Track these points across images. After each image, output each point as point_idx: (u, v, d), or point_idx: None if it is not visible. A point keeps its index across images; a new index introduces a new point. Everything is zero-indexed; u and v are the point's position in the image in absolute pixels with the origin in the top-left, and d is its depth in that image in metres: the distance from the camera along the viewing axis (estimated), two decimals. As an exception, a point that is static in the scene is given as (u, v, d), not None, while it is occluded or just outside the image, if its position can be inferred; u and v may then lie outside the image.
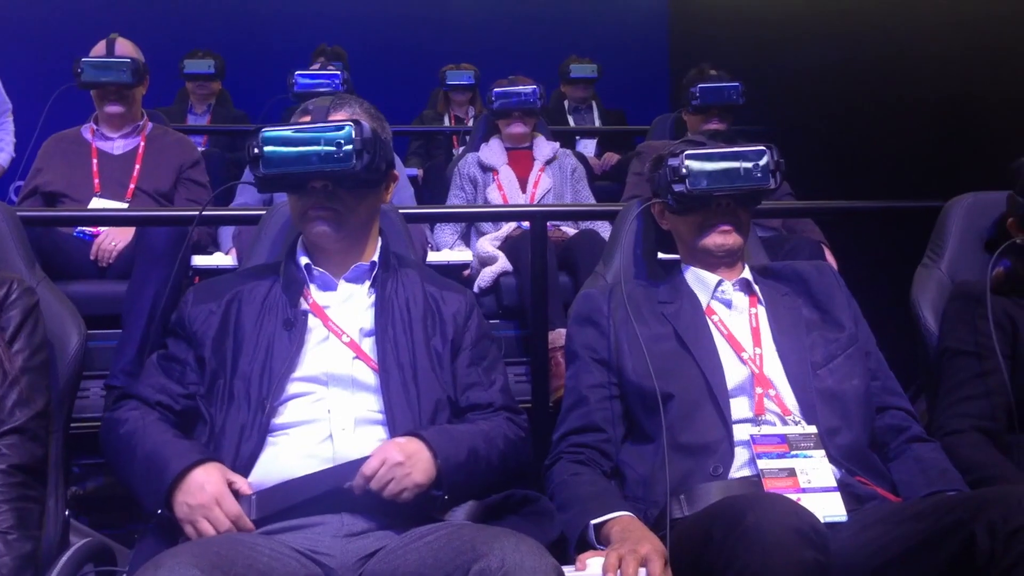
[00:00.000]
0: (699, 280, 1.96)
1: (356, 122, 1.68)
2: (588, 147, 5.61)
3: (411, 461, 1.57)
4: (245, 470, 1.61)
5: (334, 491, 1.57)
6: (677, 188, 1.89)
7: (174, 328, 1.79)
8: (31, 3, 6.63)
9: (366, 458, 1.57)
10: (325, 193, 1.72)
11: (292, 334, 1.71)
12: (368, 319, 1.77)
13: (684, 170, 1.88)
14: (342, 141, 1.66)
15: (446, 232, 3.75)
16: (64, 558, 1.48)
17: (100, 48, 3.34)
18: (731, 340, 1.87)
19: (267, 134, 1.69)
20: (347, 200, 1.74)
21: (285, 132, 1.70)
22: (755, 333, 1.89)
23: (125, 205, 3.20)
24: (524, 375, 3.11)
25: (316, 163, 1.67)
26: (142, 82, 3.34)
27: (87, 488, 2.80)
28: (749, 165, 1.89)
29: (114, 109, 3.33)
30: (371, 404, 1.70)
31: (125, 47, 3.35)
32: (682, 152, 1.90)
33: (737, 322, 1.91)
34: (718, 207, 1.91)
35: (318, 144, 1.67)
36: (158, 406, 1.70)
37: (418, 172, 5.01)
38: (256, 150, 1.68)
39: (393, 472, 1.55)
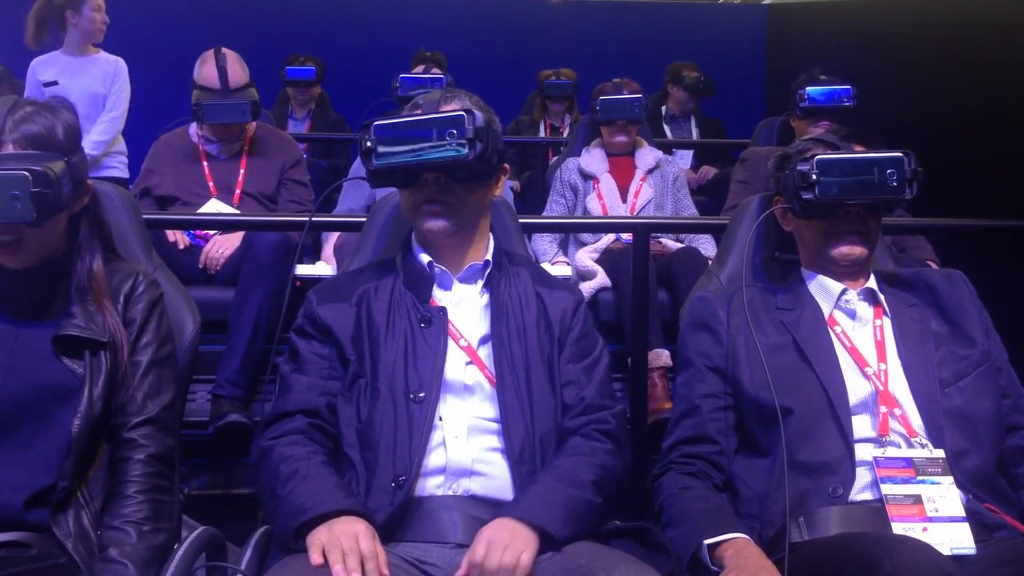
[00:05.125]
0: (821, 288, 1.86)
1: (469, 111, 1.64)
2: (685, 159, 5.52)
3: (515, 541, 1.46)
4: (408, 466, 1.57)
5: None
6: (806, 196, 1.78)
7: (303, 329, 1.74)
8: (138, 7, 6.84)
9: None
10: (437, 186, 1.68)
11: (431, 331, 1.67)
12: (483, 322, 1.73)
13: (814, 176, 1.77)
14: (455, 131, 1.62)
15: (545, 241, 3.73)
16: (183, 547, 1.48)
17: (210, 72, 3.28)
18: (854, 353, 1.78)
19: (379, 125, 1.66)
20: (459, 192, 1.69)
21: (397, 123, 1.67)
22: (880, 347, 1.79)
23: (234, 211, 3.24)
24: (620, 392, 3.05)
25: (429, 152, 1.63)
26: (259, 108, 3.32)
27: (192, 488, 2.85)
28: (885, 173, 1.77)
29: (212, 133, 3.36)
30: (484, 411, 1.65)
31: (235, 70, 3.28)
32: (813, 156, 1.80)
33: (861, 334, 1.82)
34: (847, 215, 1.80)
35: (431, 134, 1.63)
36: (327, 411, 1.66)
37: (514, 184, 4.98)
38: (368, 143, 1.65)
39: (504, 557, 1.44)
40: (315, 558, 1.38)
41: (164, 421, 1.64)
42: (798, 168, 1.80)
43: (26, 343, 1.59)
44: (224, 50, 3.34)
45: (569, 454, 1.64)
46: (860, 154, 1.81)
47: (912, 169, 1.79)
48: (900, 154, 1.79)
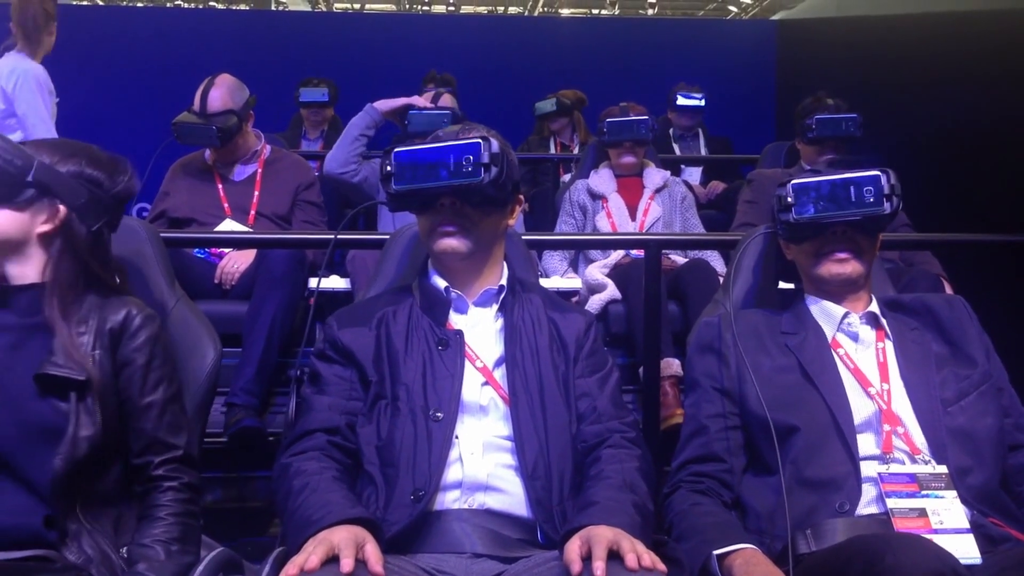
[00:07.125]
0: (824, 312, 1.91)
1: (485, 138, 1.72)
2: (693, 175, 5.55)
3: (615, 536, 1.41)
4: (427, 481, 1.61)
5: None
6: (783, 217, 1.87)
7: (324, 353, 1.79)
8: (153, 29, 6.93)
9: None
10: (453, 210, 1.75)
11: (448, 353, 1.73)
12: (497, 344, 1.78)
13: (790, 198, 1.86)
14: (471, 156, 1.71)
15: (555, 259, 3.76)
16: (201, 566, 1.52)
17: (198, 94, 3.33)
18: (857, 374, 1.82)
19: (399, 151, 1.75)
20: (473, 216, 1.76)
21: (416, 149, 1.75)
22: (882, 368, 1.84)
23: (249, 231, 3.29)
24: (631, 403, 3.09)
25: (445, 177, 1.71)
26: (233, 136, 3.35)
27: (206, 501, 2.88)
28: (861, 191, 1.83)
29: (218, 157, 3.43)
30: (499, 430, 1.70)
31: (220, 95, 3.32)
32: (789, 180, 1.88)
33: (863, 356, 1.86)
34: (833, 234, 1.86)
35: (448, 159, 1.72)
36: (348, 430, 1.70)
37: (524, 206, 4.99)
38: (388, 168, 1.74)
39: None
40: (290, 569, 1.32)
41: (187, 452, 1.68)
42: (777, 192, 1.88)
43: (12, 377, 1.57)
44: (220, 77, 3.39)
45: (610, 462, 1.67)
46: (835, 175, 1.87)
47: (890, 184, 1.84)
48: (876, 172, 1.85)
